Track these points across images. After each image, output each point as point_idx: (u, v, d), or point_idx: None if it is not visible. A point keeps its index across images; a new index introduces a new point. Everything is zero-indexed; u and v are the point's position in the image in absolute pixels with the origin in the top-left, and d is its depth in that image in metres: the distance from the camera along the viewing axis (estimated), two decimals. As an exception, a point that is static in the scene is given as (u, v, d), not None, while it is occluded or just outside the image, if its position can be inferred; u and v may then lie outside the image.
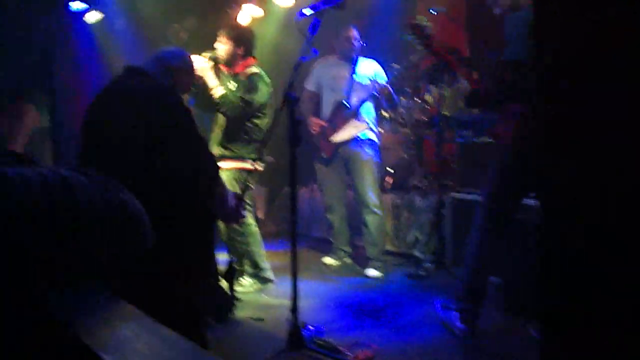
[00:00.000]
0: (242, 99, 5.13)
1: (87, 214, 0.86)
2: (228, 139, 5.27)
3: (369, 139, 6.10)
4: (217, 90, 5.14)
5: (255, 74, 5.29)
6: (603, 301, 1.29)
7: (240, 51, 5.33)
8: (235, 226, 5.17)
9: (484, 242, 3.87)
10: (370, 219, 5.98)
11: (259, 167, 5.20)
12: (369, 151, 6.07)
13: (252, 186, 3.86)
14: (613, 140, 1.31)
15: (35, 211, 0.80)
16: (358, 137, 6.04)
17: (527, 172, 3.53)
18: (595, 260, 1.30)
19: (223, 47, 5.33)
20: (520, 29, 3.64)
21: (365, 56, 6.23)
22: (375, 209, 5.97)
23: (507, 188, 3.82)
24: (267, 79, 5.34)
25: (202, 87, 5.17)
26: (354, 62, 6.18)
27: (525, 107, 3.59)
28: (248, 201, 5.27)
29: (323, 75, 6.31)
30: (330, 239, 6.65)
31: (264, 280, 5.41)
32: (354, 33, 6.19)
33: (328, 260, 6.45)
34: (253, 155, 5.17)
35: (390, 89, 5.93)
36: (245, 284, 5.36)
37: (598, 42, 1.33)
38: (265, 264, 5.44)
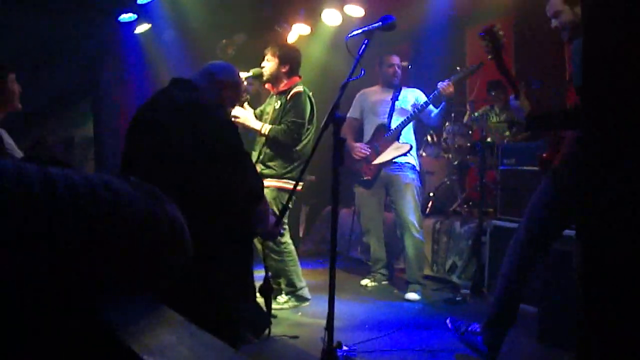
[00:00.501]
0: (288, 122, 5.15)
1: (129, 219, 0.86)
2: (268, 157, 5.27)
3: (410, 164, 6.10)
4: (265, 128, 5.19)
5: (300, 92, 5.27)
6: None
7: (284, 69, 5.34)
8: (272, 244, 5.17)
9: (518, 268, 3.82)
10: (410, 243, 5.95)
11: (299, 186, 5.19)
12: (410, 175, 6.07)
13: (290, 205, 3.85)
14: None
15: (80, 214, 0.80)
16: (399, 161, 6.04)
17: (571, 201, 3.49)
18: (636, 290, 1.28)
19: (269, 64, 5.34)
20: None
21: (409, 86, 6.26)
22: (416, 233, 5.94)
23: (550, 215, 3.77)
24: (311, 97, 5.35)
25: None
26: (397, 90, 6.22)
27: (576, 132, 3.55)
28: (285, 220, 5.23)
29: (365, 101, 6.37)
30: (368, 262, 6.65)
31: (300, 299, 5.39)
32: (396, 60, 6.25)
33: (365, 281, 6.45)
34: (293, 174, 5.19)
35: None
36: (280, 301, 5.36)
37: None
38: (302, 282, 5.43)
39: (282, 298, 5.40)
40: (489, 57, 3.71)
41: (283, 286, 5.44)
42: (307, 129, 5.29)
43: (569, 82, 3.75)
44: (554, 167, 3.71)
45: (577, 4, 3.65)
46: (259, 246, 5.11)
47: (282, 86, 5.37)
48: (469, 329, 4.04)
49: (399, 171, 6.05)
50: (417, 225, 5.95)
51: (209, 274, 2.96)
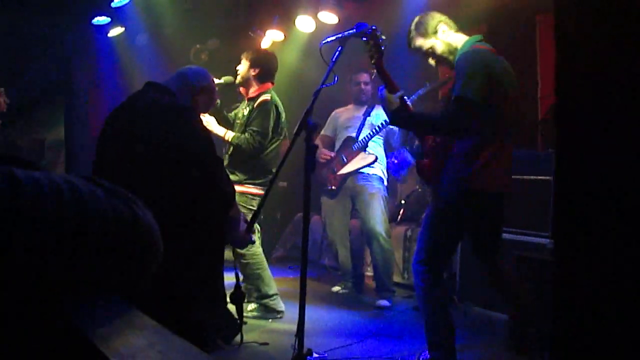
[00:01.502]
0: (252, 131, 5.12)
1: (96, 222, 0.85)
2: (232, 164, 5.24)
3: (377, 175, 6.14)
4: (228, 135, 5.18)
5: (266, 101, 5.22)
6: (619, 339, 1.28)
7: (254, 72, 5.30)
8: (242, 251, 5.08)
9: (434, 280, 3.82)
10: (378, 251, 5.96)
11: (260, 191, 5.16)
12: (377, 185, 6.10)
13: (262, 216, 3.85)
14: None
15: (45, 215, 0.78)
16: (365, 172, 6.08)
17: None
18: (612, 298, 1.30)
19: (241, 67, 5.35)
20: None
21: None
22: (384, 242, 5.95)
23: (451, 234, 3.84)
24: (278, 106, 5.29)
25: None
26: (370, 107, 6.30)
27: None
28: (257, 227, 5.22)
29: (338, 119, 6.44)
30: (338, 271, 6.68)
31: (268, 310, 5.27)
32: (363, 78, 6.30)
33: (336, 288, 6.46)
34: (256, 181, 5.18)
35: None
36: (248, 308, 5.21)
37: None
38: (272, 290, 5.29)
39: (250, 305, 5.26)
40: (372, 61, 3.77)
41: (253, 293, 5.33)
42: (273, 137, 5.24)
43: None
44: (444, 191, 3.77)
45: (436, 31, 3.83)
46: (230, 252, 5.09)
47: (253, 92, 5.34)
48: (421, 358, 4.03)
49: (365, 181, 6.08)
50: (384, 234, 5.97)
51: (179, 279, 2.95)
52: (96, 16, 7.69)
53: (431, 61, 3.93)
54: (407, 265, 6.65)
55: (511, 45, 5.84)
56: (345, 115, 6.41)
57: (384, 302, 5.87)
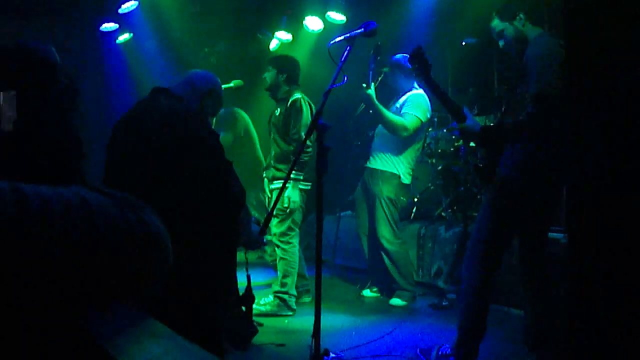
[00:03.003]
0: (292, 140, 5.53)
1: (106, 234, 0.84)
2: (300, 167, 5.43)
3: (385, 171, 5.99)
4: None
5: (296, 100, 5.54)
6: (633, 334, 1.28)
7: (282, 78, 5.65)
8: (285, 247, 5.49)
9: (485, 277, 3.81)
10: (382, 253, 5.93)
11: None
12: (380, 183, 5.96)
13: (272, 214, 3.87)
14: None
15: (53, 229, 0.78)
16: (379, 170, 5.98)
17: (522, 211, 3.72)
18: (627, 293, 1.29)
19: (269, 74, 5.69)
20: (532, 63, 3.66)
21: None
22: (388, 244, 5.89)
23: (507, 224, 3.81)
24: (309, 102, 5.59)
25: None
26: (398, 97, 6.05)
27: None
28: (298, 223, 5.65)
29: None
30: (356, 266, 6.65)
31: (281, 306, 5.45)
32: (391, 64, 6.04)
33: (365, 291, 6.37)
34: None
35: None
36: (260, 302, 5.39)
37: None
38: (293, 291, 5.51)
39: (266, 299, 5.48)
40: (421, 80, 3.80)
41: (275, 288, 5.53)
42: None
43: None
44: (501, 177, 3.76)
45: (514, 17, 3.83)
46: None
47: (282, 94, 5.69)
48: (440, 352, 4.02)
49: (374, 180, 5.99)
50: (387, 234, 5.90)
51: (191, 281, 2.95)
52: (104, 23, 7.71)
53: (501, 44, 3.97)
54: (422, 263, 6.61)
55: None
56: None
57: (398, 301, 5.86)
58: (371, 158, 6.04)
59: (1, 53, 2.18)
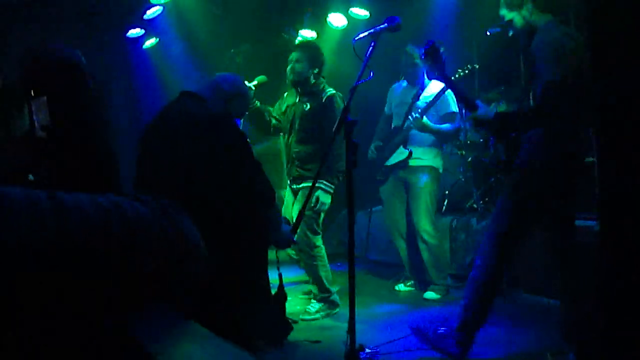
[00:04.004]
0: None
1: (143, 241, 0.86)
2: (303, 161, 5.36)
3: (427, 165, 5.96)
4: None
5: (334, 94, 5.32)
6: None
7: (314, 72, 5.37)
8: (306, 248, 5.26)
9: (498, 270, 3.81)
10: (423, 247, 5.92)
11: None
12: (423, 177, 5.94)
13: (303, 214, 3.88)
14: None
15: (91, 239, 0.80)
16: (413, 165, 5.94)
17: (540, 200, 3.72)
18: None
19: (298, 65, 5.35)
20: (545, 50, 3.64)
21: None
22: (428, 237, 5.89)
23: (527, 216, 3.79)
24: (342, 98, 5.30)
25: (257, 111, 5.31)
26: (422, 87, 5.92)
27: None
28: (319, 223, 5.40)
29: (393, 100, 6.25)
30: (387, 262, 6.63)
31: (331, 305, 5.39)
32: (414, 53, 5.90)
33: (399, 285, 6.38)
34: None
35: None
36: (312, 310, 5.32)
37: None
38: (333, 288, 5.42)
39: (313, 307, 5.36)
40: (436, 75, 3.79)
41: (315, 292, 5.43)
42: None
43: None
44: (520, 168, 3.74)
45: (521, 6, 3.81)
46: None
47: (310, 87, 5.39)
48: (438, 332, 4.05)
49: (411, 173, 5.95)
50: (427, 228, 5.90)
51: (223, 282, 2.97)
52: (130, 29, 7.76)
53: (511, 33, 3.98)
54: (454, 256, 6.58)
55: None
56: (398, 98, 6.16)
57: (432, 295, 5.87)
58: (405, 152, 5.94)
59: (31, 60, 2.22)
